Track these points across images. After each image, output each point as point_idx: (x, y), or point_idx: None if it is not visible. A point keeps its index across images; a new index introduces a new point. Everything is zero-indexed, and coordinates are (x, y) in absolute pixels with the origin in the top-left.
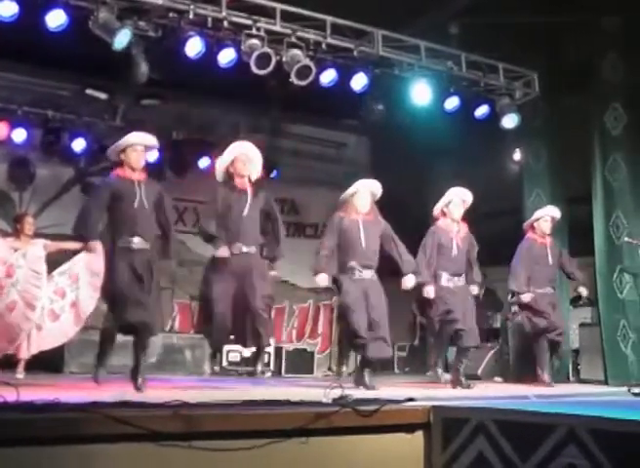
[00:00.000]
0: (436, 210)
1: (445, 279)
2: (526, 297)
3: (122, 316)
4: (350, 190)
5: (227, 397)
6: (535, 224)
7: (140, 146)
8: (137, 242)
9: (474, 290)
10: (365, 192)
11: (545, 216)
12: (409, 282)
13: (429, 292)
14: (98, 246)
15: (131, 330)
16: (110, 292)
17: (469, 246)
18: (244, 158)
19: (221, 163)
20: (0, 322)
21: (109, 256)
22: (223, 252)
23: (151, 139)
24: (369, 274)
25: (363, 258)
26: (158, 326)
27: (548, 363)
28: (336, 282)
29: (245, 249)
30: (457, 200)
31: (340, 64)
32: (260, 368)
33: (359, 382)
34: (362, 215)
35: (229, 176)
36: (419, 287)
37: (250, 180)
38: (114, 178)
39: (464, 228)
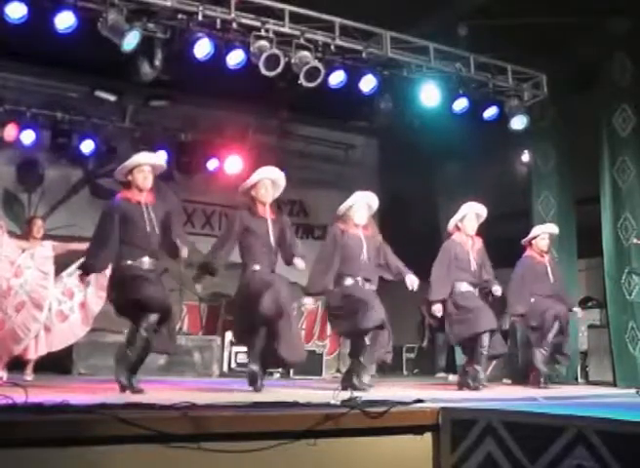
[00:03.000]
0: (451, 225)
1: (464, 287)
2: (498, 291)
3: (139, 295)
4: (347, 203)
5: (236, 398)
6: (532, 242)
7: (147, 167)
8: (146, 262)
9: (498, 290)
10: (362, 204)
11: (543, 234)
12: (412, 281)
13: (437, 310)
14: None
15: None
16: (124, 300)
17: (484, 259)
18: (268, 183)
19: (245, 185)
20: (7, 323)
21: (116, 275)
22: None
23: (158, 159)
24: (368, 286)
25: (364, 273)
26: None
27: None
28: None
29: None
30: (471, 215)
31: (349, 66)
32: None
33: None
34: (361, 229)
35: (251, 200)
36: (427, 289)
37: (270, 206)
38: (121, 201)
39: (479, 242)
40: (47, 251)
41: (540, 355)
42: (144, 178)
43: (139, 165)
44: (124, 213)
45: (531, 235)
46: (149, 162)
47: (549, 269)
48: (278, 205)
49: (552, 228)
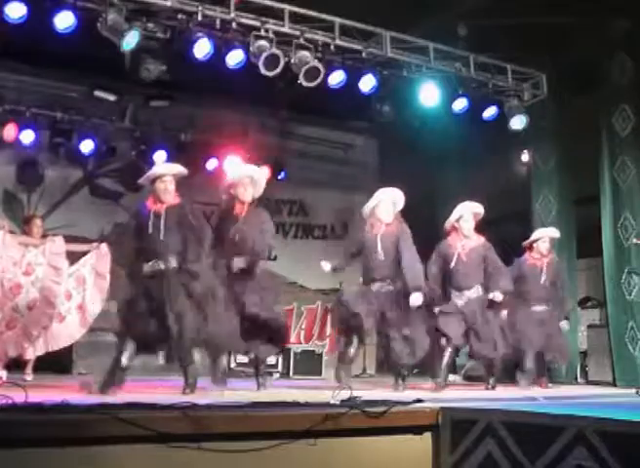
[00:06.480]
0: (447, 224)
1: (454, 296)
2: (497, 297)
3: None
4: (372, 201)
5: (236, 398)
6: (534, 245)
7: (169, 177)
8: (159, 264)
9: (497, 297)
10: (387, 202)
11: (544, 238)
12: (415, 300)
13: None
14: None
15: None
16: (124, 315)
17: (481, 258)
18: (247, 182)
19: (224, 183)
20: (19, 322)
21: (129, 282)
22: None
23: (178, 168)
24: (378, 286)
25: (378, 271)
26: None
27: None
28: None
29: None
30: (467, 215)
31: (349, 66)
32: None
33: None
34: (384, 227)
35: (231, 198)
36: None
37: (248, 205)
38: (142, 208)
39: (473, 242)
40: (58, 246)
41: None
42: (165, 189)
43: (160, 175)
44: (141, 219)
45: (532, 238)
46: (170, 172)
47: (544, 271)
48: (277, 205)
49: (554, 232)
